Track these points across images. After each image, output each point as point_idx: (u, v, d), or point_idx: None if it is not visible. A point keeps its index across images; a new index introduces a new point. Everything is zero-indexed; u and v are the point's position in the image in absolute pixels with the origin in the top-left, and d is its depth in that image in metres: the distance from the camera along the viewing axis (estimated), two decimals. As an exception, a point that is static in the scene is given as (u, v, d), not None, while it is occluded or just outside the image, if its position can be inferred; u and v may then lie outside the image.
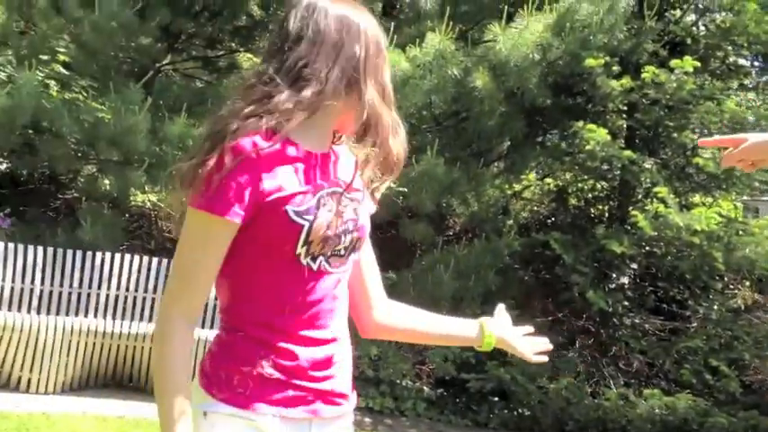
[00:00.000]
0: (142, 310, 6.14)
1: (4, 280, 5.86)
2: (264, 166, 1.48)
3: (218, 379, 1.52)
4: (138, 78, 7.62)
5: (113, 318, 5.98)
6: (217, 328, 1.80)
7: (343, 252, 1.55)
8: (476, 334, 1.81)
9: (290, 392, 1.53)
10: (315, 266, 1.52)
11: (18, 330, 5.40)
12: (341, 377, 1.60)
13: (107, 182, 7.39)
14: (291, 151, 1.52)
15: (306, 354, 1.54)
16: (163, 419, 1.45)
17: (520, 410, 6.52)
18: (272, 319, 1.52)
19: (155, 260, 6.33)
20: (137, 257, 6.31)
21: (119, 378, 5.82)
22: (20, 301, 5.87)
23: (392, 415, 6.25)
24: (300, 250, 1.49)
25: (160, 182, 7.56)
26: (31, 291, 5.93)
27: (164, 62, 8.55)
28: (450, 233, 7.96)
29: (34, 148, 7.19)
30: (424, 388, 6.55)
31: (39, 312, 5.82)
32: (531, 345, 1.83)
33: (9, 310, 5.74)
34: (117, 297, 6.13)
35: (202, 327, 5.96)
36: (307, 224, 1.49)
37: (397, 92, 6.60)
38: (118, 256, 6.27)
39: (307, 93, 1.51)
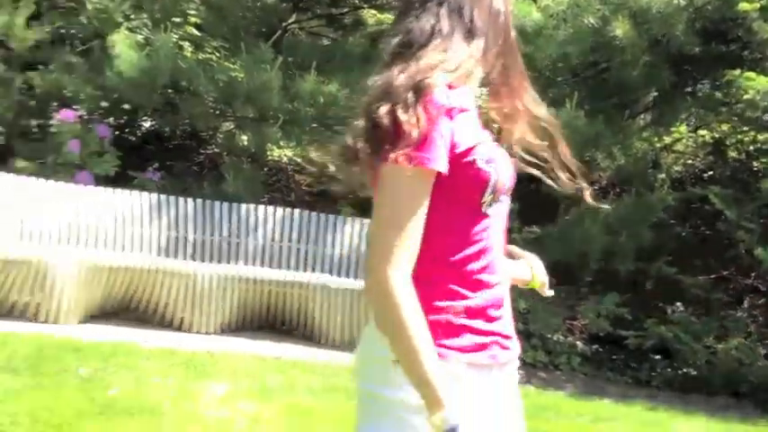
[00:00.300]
0: (288, 258, 6.39)
1: (160, 228, 6.18)
2: (455, 118, 1.51)
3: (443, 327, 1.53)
4: (267, 37, 7.82)
5: (262, 265, 6.25)
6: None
7: (503, 198, 1.59)
8: (528, 274, 1.83)
9: (476, 338, 1.54)
10: (490, 212, 1.56)
11: (176, 275, 5.71)
12: (509, 321, 1.63)
13: (244, 138, 7.67)
14: (468, 103, 1.57)
15: (486, 298, 1.56)
16: (423, 379, 1.43)
17: (685, 370, 6.33)
18: (457, 266, 1.54)
19: (296, 212, 6.57)
20: (279, 209, 6.56)
21: (271, 321, 6.09)
22: (176, 248, 6.19)
23: (546, 369, 6.20)
24: (486, 198, 1.53)
25: (294, 137, 7.81)
26: (185, 239, 6.24)
27: (289, 21, 8.73)
28: (596, 187, 7.85)
29: (175, 107, 7.49)
30: (578, 343, 6.48)
31: (194, 259, 6.12)
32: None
33: (168, 256, 6.06)
34: (263, 246, 6.39)
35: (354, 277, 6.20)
36: (493, 172, 1.53)
37: (529, 44, 6.60)
38: (261, 207, 6.52)
39: (479, 44, 1.56)
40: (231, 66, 7.58)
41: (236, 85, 7.32)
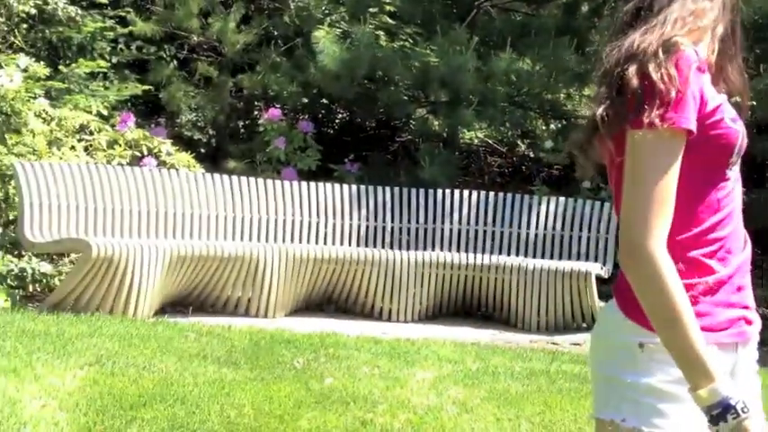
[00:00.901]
0: (483, 242, 6.44)
1: (359, 219, 6.44)
2: (703, 77, 1.47)
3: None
4: (461, 19, 7.84)
5: (458, 250, 6.35)
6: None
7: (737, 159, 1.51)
8: None
9: (725, 314, 1.48)
10: (730, 175, 1.50)
11: (376, 264, 5.94)
12: (750, 290, 1.54)
13: (437, 122, 7.79)
14: (704, 63, 1.52)
15: (731, 270, 1.49)
16: (689, 349, 1.38)
17: None
18: (704, 236, 1.48)
19: (491, 194, 6.60)
20: (474, 193, 6.62)
21: (468, 307, 6.19)
22: (374, 237, 6.43)
23: None
24: (734, 158, 1.47)
25: (487, 118, 7.83)
26: (383, 228, 6.46)
27: (482, 0, 8.69)
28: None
29: (370, 97, 7.74)
30: None
31: (392, 247, 6.33)
32: None
33: (367, 246, 6.32)
34: (459, 231, 6.48)
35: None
36: (741, 129, 1.47)
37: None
38: (457, 192, 6.61)
39: (716, 6, 1.54)
40: (425, 51, 7.69)
41: (430, 70, 7.43)
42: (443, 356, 4.95)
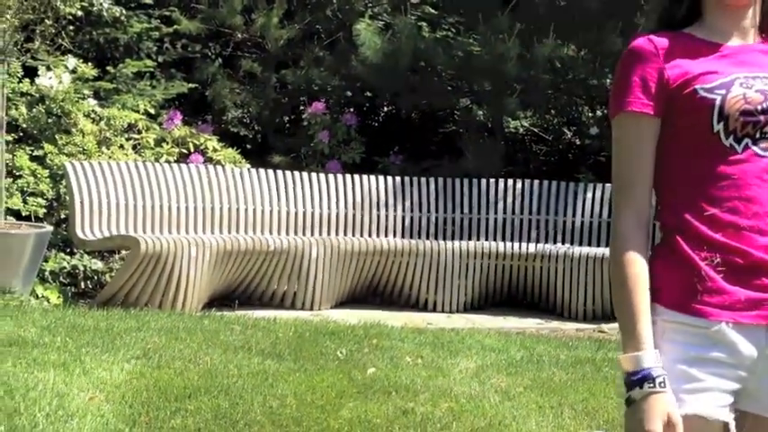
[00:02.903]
0: (528, 231, 6.41)
1: (404, 210, 6.45)
2: (665, 59, 1.48)
3: (660, 284, 1.46)
4: (503, 6, 7.79)
5: (503, 240, 6.32)
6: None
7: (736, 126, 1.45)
8: None
9: (741, 293, 1.44)
10: (740, 148, 1.45)
11: (420, 255, 5.96)
12: None
13: (481, 112, 7.75)
14: (693, 43, 1.51)
15: (741, 248, 1.44)
16: (628, 318, 1.43)
17: None
18: (707, 208, 1.45)
19: (535, 183, 6.55)
20: (518, 182, 6.58)
21: (513, 296, 6.17)
22: (419, 228, 6.44)
23: None
24: (718, 127, 1.44)
25: (531, 106, 7.77)
26: (428, 219, 6.47)
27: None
28: None
29: (414, 89, 7.74)
30: None
31: (436, 238, 6.34)
32: None
33: (411, 237, 6.33)
34: (504, 220, 6.46)
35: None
36: (719, 98, 1.44)
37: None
38: (501, 181, 6.58)
39: None
40: (468, 40, 7.66)
41: (473, 60, 7.41)
42: (487, 346, 4.95)
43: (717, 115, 1.44)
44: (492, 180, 6.59)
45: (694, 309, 1.44)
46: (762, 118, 1.44)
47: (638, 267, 1.44)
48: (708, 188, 1.45)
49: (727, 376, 1.44)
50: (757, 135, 1.45)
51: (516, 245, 6.10)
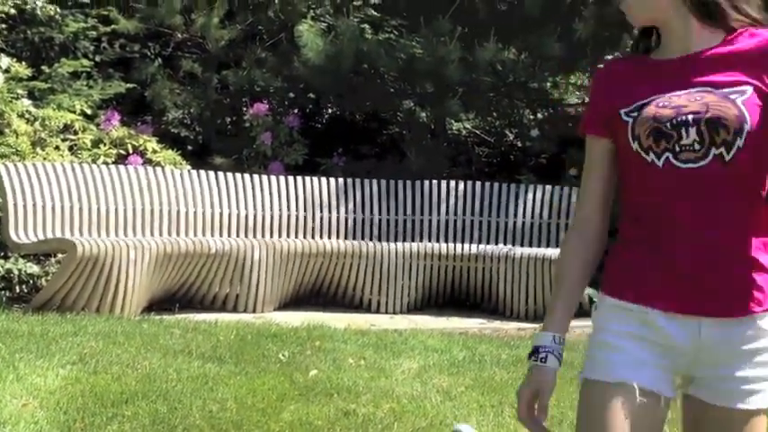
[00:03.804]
0: (471, 232, 6.44)
1: (347, 212, 6.43)
2: (614, 82, 1.61)
3: (606, 277, 1.65)
4: (444, 9, 7.83)
5: (446, 241, 6.34)
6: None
7: (696, 147, 1.50)
8: None
9: (672, 286, 1.55)
10: (659, 163, 1.52)
11: (364, 257, 5.95)
12: (713, 282, 1.54)
13: (424, 114, 7.77)
14: (642, 66, 1.60)
15: (670, 249, 1.54)
16: (548, 307, 1.68)
17: None
18: (630, 206, 1.61)
19: (477, 184, 6.59)
20: (461, 183, 6.61)
21: (456, 297, 6.19)
22: (362, 230, 6.42)
23: None
24: (635, 145, 1.54)
25: (474, 108, 7.81)
26: (371, 220, 6.46)
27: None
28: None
29: (357, 91, 7.72)
30: None
31: (379, 240, 6.33)
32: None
33: (354, 238, 6.31)
34: (447, 221, 6.48)
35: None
36: (631, 120, 1.55)
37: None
38: (444, 183, 6.60)
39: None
40: (410, 43, 7.67)
41: (415, 62, 7.42)
42: (430, 346, 4.96)
43: (630, 135, 1.55)
44: (435, 181, 6.61)
45: (630, 295, 1.58)
46: (673, 133, 1.51)
47: (564, 268, 1.66)
48: (637, 198, 1.58)
49: (664, 357, 1.55)
50: (676, 149, 1.52)
51: (459, 246, 6.13)
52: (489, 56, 7.21)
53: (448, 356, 4.76)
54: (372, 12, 8.55)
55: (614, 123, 1.57)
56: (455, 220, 6.49)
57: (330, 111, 8.35)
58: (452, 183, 6.61)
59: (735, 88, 1.51)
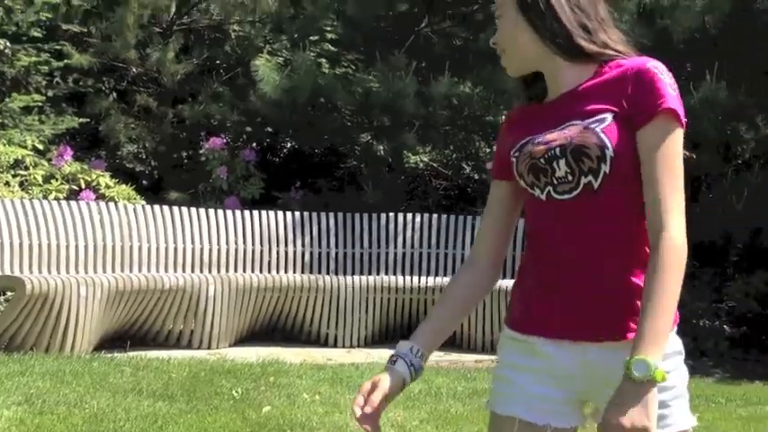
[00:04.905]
0: (428, 264, 6.43)
1: (303, 246, 6.39)
2: (511, 129, 1.67)
3: (509, 307, 1.72)
4: (401, 45, 7.89)
5: (403, 274, 6.32)
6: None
7: (570, 178, 1.56)
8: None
9: (558, 314, 1.59)
10: (543, 196, 1.59)
11: (321, 291, 5.90)
12: (579, 310, 1.58)
13: (381, 147, 7.79)
14: (533, 110, 1.67)
15: (556, 278, 1.59)
16: None
17: None
18: (527, 249, 1.66)
19: (434, 217, 6.60)
20: (417, 216, 6.61)
21: (413, 329, 6.15)
22: (319, 264, 6.38)
23: (692, 355, 6.10)
24: (521, 182, 1.61)
25: (430, 141, 7.85)
26: (328, 254, 6.42)
27: (422, 25, 8.76)
28: (740, 161, 7.45)
29: (315, 125, 7.73)
30: (725, 327, 6.29)
31: (336, 273, 6.29)
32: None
33: (311, 272, 6.26)
34: (404, 254, 6.47)
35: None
36: (515, 159, 1.62)
37: (665, 17, 6.32)
38: (401, 215, 6.60)
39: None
40: (367, 77, 7.71)
41: (372, 96, 7.45)
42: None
43: (516, 173, 1.62)
44: (392, 214, 6.60)
45: (520, 326, 1.63)
46: (547, 167, 1.58)
47: (445, 294, 1.73)
48: (531, 231, 1.64)
49: (558, 387, 1.59)
50: (554, 182, 1.58)
51: (416, 278, 6.11)
52: (445, 90, 7.26)
53: (404, 390, 4.72)
54: (329, 46, 8.60)
55: (509, 165, 1.64)
56: (412, 253, 6.48)
57: (288, 145, 8.34)
58: (409, 215, 6.61)
59: (595, 117, 1.57)
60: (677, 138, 1.55)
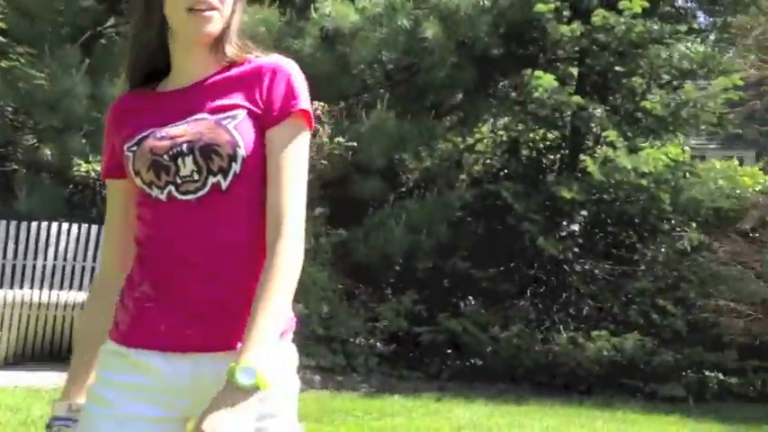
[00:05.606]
0: (81, 279, 6.03)
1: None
2: (120, 119, 1.56)
3: (113, 320, 1.60)
4: (74, 40, 7.44)
5: (50, 288, 5.86)
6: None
7: (196, 177, 1.46)
8: None
9: (165, 324, 1.50)
10: (163, 196, 1.48)
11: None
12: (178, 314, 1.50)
13: (48, 151, 7.23)
14: (141, 99, 1.56)
15: (165, 285, 1.49)
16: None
17: (472, 361, 6.54)
18: (137, 252, 1.54)
19: (94, 228, 6.20)
20: (74, 226, 6.17)
21: (56, 350, 5.73)
22: (-48, 275, 5.76)
23: (343, 371, 6.26)
24: (137, 180, 1.49)
25: (101, 149, 7.40)
26: (-35, 264, 5.82)
27: (106, 25, 8.33)
28: (404, 189, 7.89)
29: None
30: (378, 344, 6.58)
31: (-27, 286, 5.71)
32: None
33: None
34: (54, 267, 6.01)
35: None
36: (132, 155, 1.50)
37: (346, 46, 6.53)
38: (55, 225, 6.12)
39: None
40: (36, 73, 7.15)
41: (37, 92, 6.92)
42: (6, 405, 4.51)
43: (132, 170, 1.49)
44: (44, 223, 6.10)
45: (120, 337, 1.51)
46: (171, 164, 1.47)
47: (83, 336, 1.60)
48: (140, 233, 1.52)
49: (162, 405, 1.47)
50: (177, 181, 1.47)
51: (63, 293, 5.69)
52: (117, 93, 6.91)
53: (25, 416, 4.35)
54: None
55: (123, 161, 1.51)
56: (64, 266, 6.03)
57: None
58: (65, 225, 6.15)
59: (227, 113, 1.50)
60: (305, 140, 1.51)
